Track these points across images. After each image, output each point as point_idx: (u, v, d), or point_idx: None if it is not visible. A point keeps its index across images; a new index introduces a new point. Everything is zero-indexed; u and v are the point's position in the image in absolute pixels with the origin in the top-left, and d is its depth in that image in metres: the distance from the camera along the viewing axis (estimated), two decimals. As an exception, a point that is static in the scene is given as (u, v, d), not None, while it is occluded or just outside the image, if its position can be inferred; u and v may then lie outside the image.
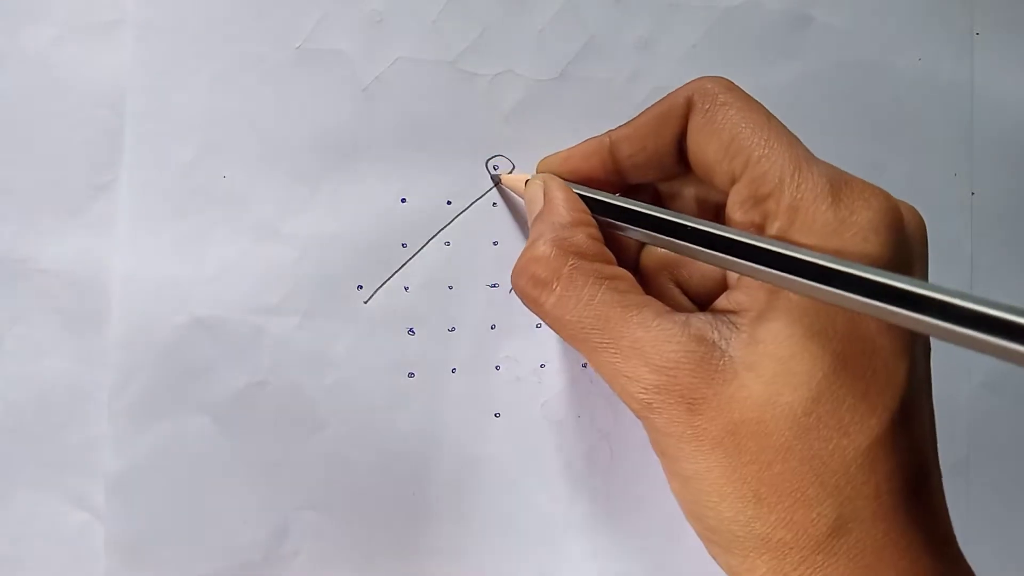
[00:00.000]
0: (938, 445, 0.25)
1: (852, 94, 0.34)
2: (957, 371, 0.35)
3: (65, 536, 0.29)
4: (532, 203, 0.28)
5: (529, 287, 0.25)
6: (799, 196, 0.23)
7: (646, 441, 0.31)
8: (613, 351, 0.24)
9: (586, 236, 0.26)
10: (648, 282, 0.29)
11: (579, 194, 0.27)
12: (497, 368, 0.31)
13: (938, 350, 0.34)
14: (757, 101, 0.26)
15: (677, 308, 0.26)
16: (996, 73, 0.35)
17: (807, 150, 0.24)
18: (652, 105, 0.27)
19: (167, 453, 0.30)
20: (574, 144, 0.29)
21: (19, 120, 0.29)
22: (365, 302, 0.31)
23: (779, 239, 0.23)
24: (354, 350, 0.31)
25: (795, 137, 0.25)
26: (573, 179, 0.28)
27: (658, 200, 0.30)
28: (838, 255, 0.21)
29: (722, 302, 0.24)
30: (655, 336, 0.23)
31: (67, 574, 0.30)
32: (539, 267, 0.25)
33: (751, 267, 0.22)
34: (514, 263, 0.26)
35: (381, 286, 0.31)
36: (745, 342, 0.23)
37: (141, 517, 0.29)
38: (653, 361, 0.23)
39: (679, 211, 0.28)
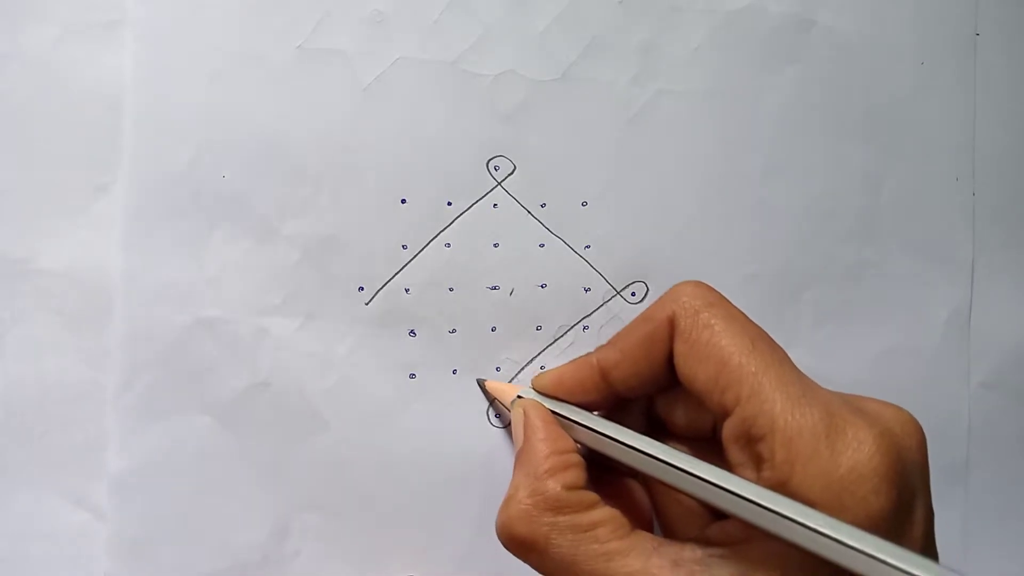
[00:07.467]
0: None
1: (854, 97, 0.34)
2: (957, 372, 0.35)
3: (65, 536, 0.29)
4: (515, 434, 0.28)
5: (512, 546, 0.25)
6: (794, 444, 0.22)
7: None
8: None
9: (563, 487, 0.25)
10: (653, 482, 0.28)
11: (566, 417, 0.27)
12: (497, 369, 0.31)
13: (939, 350, 0.35)
14: (741, 313, 0.25)
15: (681, 514, 0.27)
16: (998, 74, 0.35)
17: (799, 378, 0.24)
18: (636, 323, 0.27)
19: (169, 453, 0.30)
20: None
21: (19, 120, 0.29)
22: (366, 303, 0.31)
23: (775, 486, 0.22)
24: (355, 351, 0.31)
25: (785, 361, 0.24)
26: (568, 400, 0.28)
27: (654, 412, 0.29)
28: (840, 509, 0.21)
29: (715, 531, 0.24)
30: None
31: (67, 574, 0.30)
32: (518, 527, 0.25)
33: (741, 515, 0.22)
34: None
35: (382, 287, 0.31)
36: None
37: (142, 517, 0.30)
38: None
39: (676, 427, 0.28)
